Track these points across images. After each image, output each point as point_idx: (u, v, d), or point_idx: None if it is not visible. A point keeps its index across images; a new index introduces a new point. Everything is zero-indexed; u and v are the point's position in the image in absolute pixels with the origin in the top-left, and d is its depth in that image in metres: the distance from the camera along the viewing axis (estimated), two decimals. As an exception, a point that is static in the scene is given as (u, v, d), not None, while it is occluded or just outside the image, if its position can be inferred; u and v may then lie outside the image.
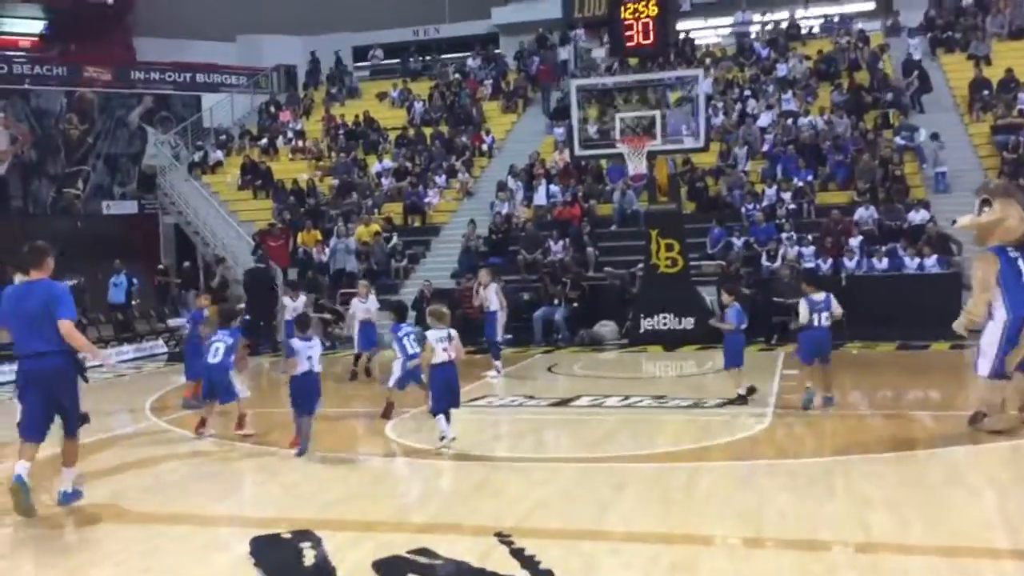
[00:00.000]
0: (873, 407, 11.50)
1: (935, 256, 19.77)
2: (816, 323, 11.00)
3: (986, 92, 26.46)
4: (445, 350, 9.18)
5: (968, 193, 23.59)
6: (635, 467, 8.27)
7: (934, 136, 24.14)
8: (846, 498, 6.98)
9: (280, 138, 32.20)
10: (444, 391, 9.17)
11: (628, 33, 17.15)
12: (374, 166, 28.77)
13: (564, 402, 11.98)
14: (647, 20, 16.95)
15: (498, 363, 14.81)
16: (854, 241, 20.56)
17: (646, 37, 17.08)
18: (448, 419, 9.16)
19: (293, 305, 15.73)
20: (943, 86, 28.38)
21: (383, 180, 27.96)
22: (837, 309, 11.20)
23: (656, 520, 6.68)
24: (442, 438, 9.11)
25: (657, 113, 17.05)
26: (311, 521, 6.91)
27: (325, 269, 23.88)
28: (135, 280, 21.62)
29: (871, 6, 37.18)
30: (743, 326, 11.62)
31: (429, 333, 9.32)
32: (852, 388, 12.70)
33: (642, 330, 18.50)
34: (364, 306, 15.11)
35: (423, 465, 8.83)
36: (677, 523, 6.61)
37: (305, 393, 9.22)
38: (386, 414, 10.99)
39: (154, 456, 9.52)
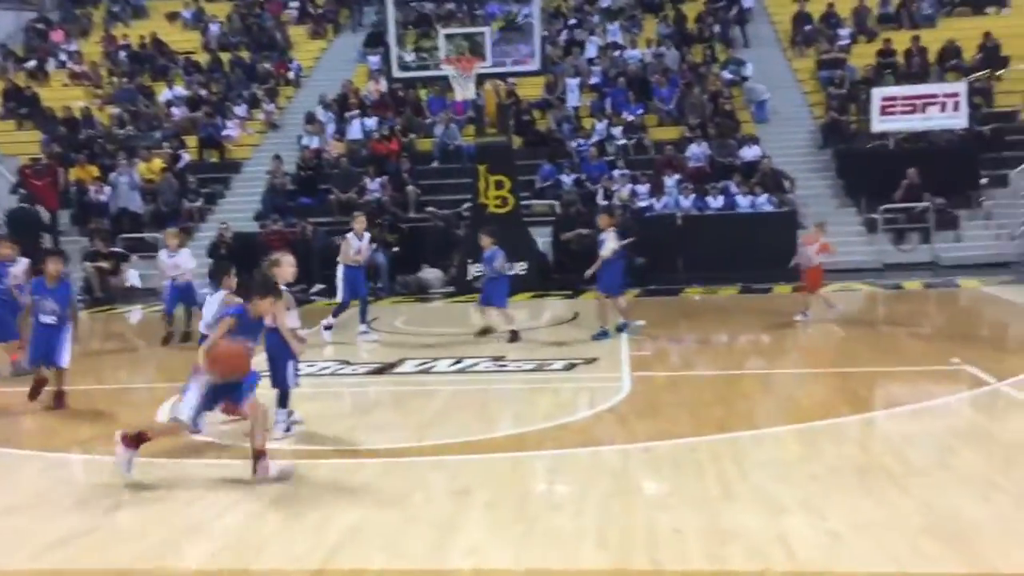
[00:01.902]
0: (739, 365, 10.24)
1: (766, 195, 19.05)
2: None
3: (808, 27, 26.15)
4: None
5: (795, 128, 23.37)
6: (479, 460, 6.53)
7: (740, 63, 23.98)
8: (749, 498, 5.51)
9: (51, 61, 28.17)
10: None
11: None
12: (163, 94, 25.45)
13: (385, 368, 10.10)
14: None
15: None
16: (670, 180, 19.52)
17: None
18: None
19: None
20: (766, 21, 27.96)
21: (173, 110, 24.75)
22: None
23: (515, 548, 4.96)
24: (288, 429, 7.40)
25: (487, 30, 15.12)
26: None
27: (104, 209, 20.74)
28: None
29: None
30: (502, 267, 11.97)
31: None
32: (708, 342, 11.48)
33: (470, 276, 16.78)
34: (172, 261, 12.56)
35: (198, 469, 6.73)
36: (544, 552, 4.92)
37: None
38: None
39: None
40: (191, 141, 23.28)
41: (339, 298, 12.31)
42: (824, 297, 12.51)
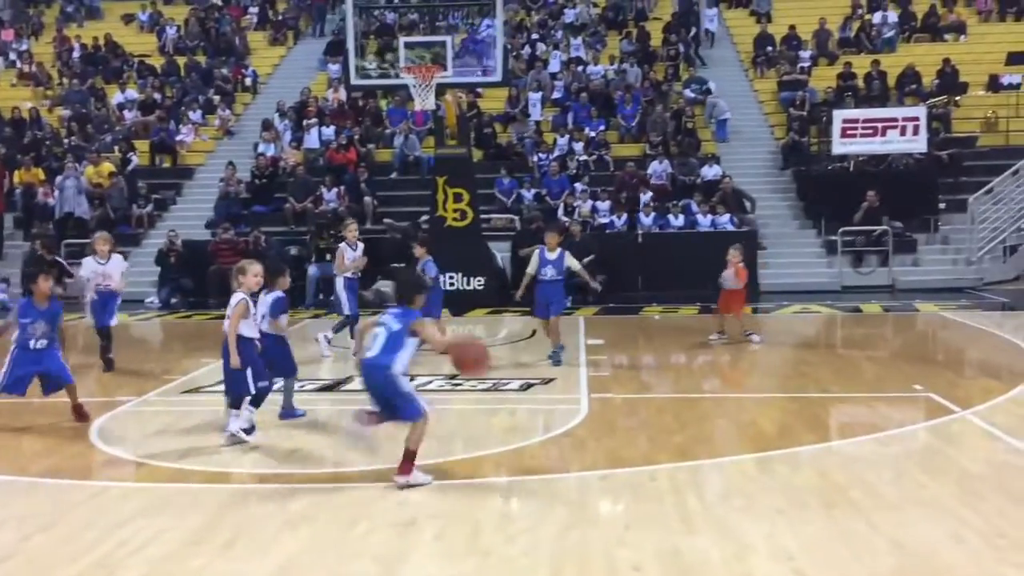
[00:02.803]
0: (699, 388, 10.02)
1: (727, 215, 18.94)
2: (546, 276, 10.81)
3: (770, 48, 26.25)
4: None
5: (757, 149, 23.34)
6: (429, 487, 6.17)
7: (702, 81, 24.00)
8: (711, 532, 5.23)
9: (0, 60, 27.40)
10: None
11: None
12: (115, 96, 24.83)
13: (335, 385, 9.72)
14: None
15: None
16: (645, 196, 19.39)
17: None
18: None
19: None
20: (728, 41, 28.03)
21: (126, 113, 24.14)
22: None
23: (464, 584, 4.64)
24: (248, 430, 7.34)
25: (448, 40, 14.83)
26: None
27: (51, 213, 20.10)
28: None
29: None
30: (436, 277, 11.82)
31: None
32: (667, 363, 11.24)
33: (426, 291, 16.40)
34: (102, 268, 11.03)
35: (123, 492, 6.32)
36: (494, 588, 4.60)
37: None
38: None
39: None
40: (143, 146, 22.70)
41: (346, 311, 11.64)
42: (724, 319, 12.11)
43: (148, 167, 22.26)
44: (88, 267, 11.14)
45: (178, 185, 22.13)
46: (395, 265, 17.80)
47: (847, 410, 8.54)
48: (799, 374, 10.19)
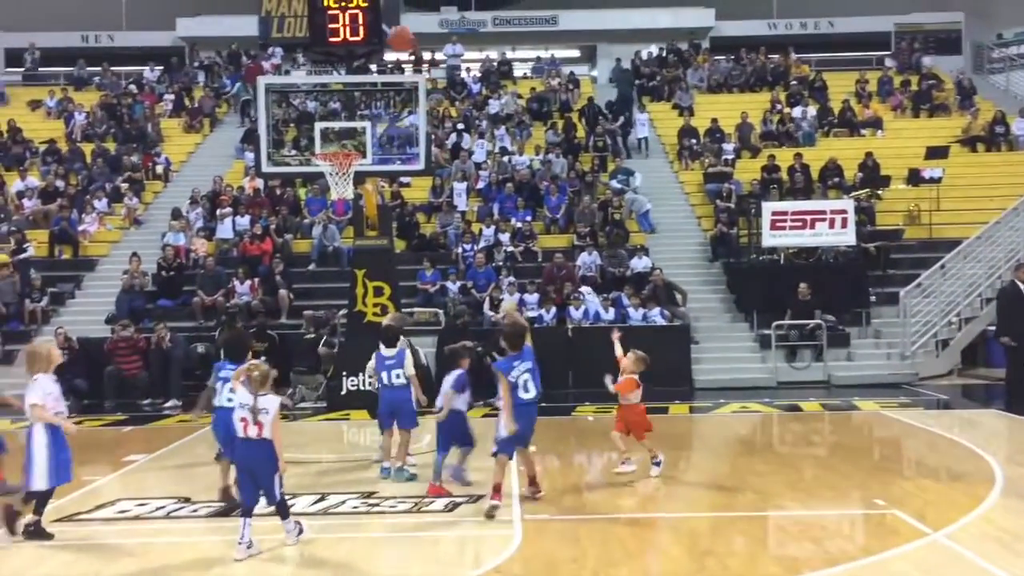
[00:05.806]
0: (644, 506, 9.10)
1: (657, 308, 18.32)
2: (386, 381, 9.84)
3: (693, 141, 26.29)
4: (243, 420, 7.06)
5: (685, 240, 22.99)
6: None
7: (628, 172, 23.68)
8: None
9: None
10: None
11: (332, 26, 14.02)
12: (14, 184, 23.45)
13: (232, 509, 8.52)
14: (355, 11, 13.88)
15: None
16: (584, 288, 18.75)
17: (354, 32, 14.01)
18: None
19: None
20: (651, 134, 28.03)
21: (25, 201, 22.76)
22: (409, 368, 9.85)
23: None
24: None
25: (367, 125, 14.07)
26: None
27: (-66, 310, 18.53)
28: None
29: (576, 53, 37.58)
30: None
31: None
32: (607, 474, 10.30)
33: (344, 391, 15.29)
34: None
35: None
36: None
37: None
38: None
39: None
40: (42, 235, 21.32)
41: (411, 425, 9.99)
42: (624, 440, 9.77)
43: (46, 259, 20.87)
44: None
45: (78, 277, 20.72)
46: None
47: (810, 533, 7.66)
48: (749, 487, 9.34)
